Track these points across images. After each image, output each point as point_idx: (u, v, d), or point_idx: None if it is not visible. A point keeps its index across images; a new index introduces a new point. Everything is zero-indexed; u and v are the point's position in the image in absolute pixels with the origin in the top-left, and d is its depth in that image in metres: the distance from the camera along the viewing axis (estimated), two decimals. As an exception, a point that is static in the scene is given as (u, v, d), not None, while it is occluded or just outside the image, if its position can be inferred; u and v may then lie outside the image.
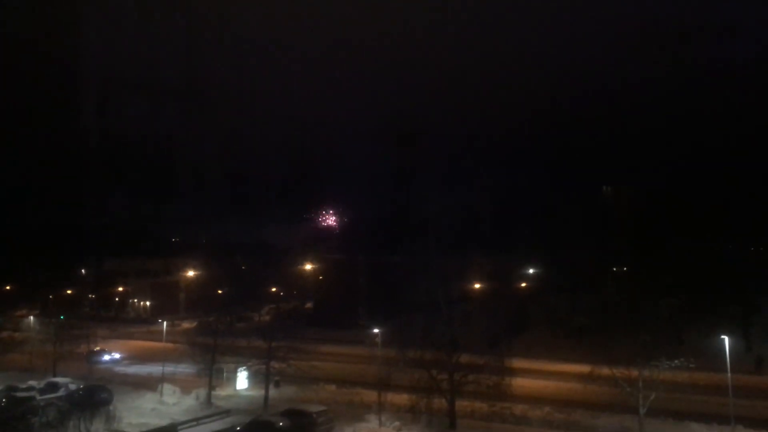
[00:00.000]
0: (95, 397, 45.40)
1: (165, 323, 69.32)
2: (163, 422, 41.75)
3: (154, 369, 58.37)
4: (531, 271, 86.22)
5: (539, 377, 52.03)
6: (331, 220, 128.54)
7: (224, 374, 53.09)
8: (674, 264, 62.18)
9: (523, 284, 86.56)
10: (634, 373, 33.44)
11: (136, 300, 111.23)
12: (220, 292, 62.94)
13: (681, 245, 63.14)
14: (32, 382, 52.88)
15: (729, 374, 32.46)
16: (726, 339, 33.21)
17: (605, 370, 34.78)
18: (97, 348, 70.02)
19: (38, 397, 47.10)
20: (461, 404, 40.86)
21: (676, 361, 33.80)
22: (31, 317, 79.13)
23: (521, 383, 45.64)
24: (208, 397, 49.10)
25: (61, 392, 49.64)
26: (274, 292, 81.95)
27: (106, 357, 66.18)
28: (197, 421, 42.77)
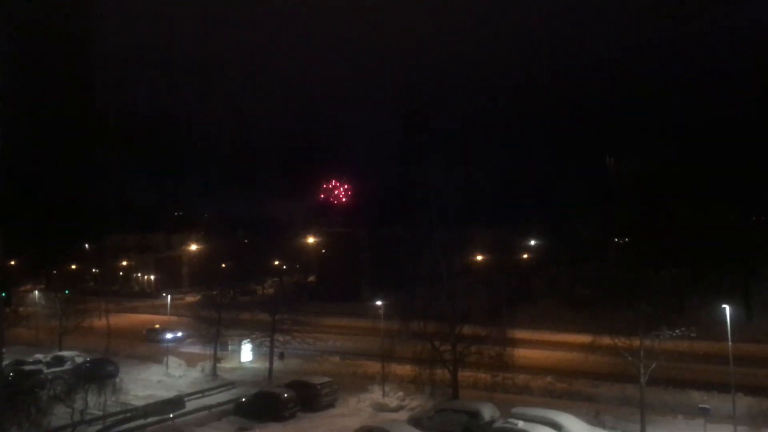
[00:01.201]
0: (102, 369, 45.88)
1: (169, 297, 69.75)
2: (170, 394, 42.24)
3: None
4: (533, 242, 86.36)
5: (541, 348, 52.42)
6: (334, 194, 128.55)
7: (229, 347, 53.59)
8: (676, 234, 62.21)
9: (526, 256, 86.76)
10: (636, 342, 33.62)
11: (139, 274, 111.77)
12: (223, 266, 63.25)
13: (683, 215, 63.07)
14: (39, 356, 53.46)
15: (730, 343, 32.64)
16: (727, 308, 33.31)
17: (606, 340, 34.99)
18: (157, 326, 66.43)
19: (45, 371, 47.64)
20: (464, 375, 41.22)
21: (677, 331, 33.93)
22: (36, 292, 79.62)
23: (523, 354, 45.99)
24: (214, 369, 49.62)
25: (67, 365, 50.20)
26: (277, 265, 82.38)
27: (168, 335, 60.41)
28: (203, 392, 43.28)
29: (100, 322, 67.65)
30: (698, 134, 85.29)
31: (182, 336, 61.01)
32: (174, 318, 62.63)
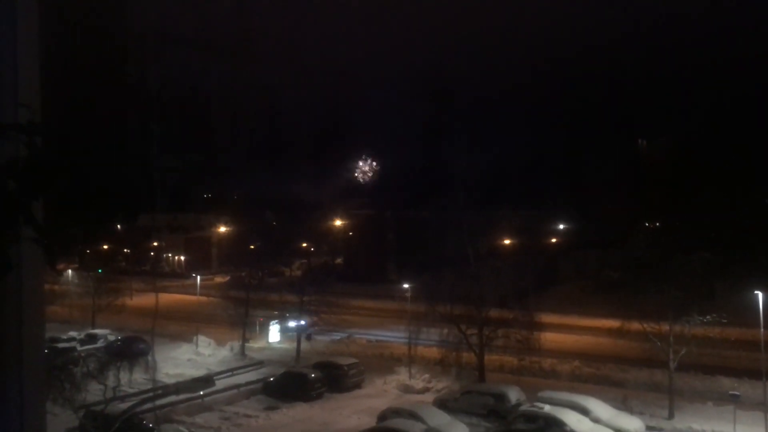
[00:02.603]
0: (133, 347, 46.80)
1: (198, 277, 70.66)
2: (199, 372, 42.95)
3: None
4: (561, 226, 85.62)
5: (568, 332, 52.19)
6: (361, 175, 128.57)
7: (257, 327, 54.24)
8: (707, 218, 61.23)
9: (553, 239, 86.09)
10: (665, 327, 33.32)
11: (170, 255, 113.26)
12: (251, 247, 63.80)
13: (714, 198, 62.03)
14: (73, 333, 54.61)
15: (762, 329, 32.17)
16: (760, 294, 32.81)
17: (635, 325, 34.72)
18: (275, 313, 56.07)
19: (79, 348, 48.70)
20: (490, 358, 41.28)
21: (707, 316, 33.59)
22: (70, 271, 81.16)
23: (550, 338, 45.80)
24: (242, 349, 50.28)
25: (100, 343, 51.26)
26: (304, 247, 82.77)
27: (292, 324, 53.18)
28: (232, 371, 43.95)
29: (131, 301, 68.81)
30: (732, 115, 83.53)
31: (306, 325, 50.51)
32: (203, 298, 63.23)
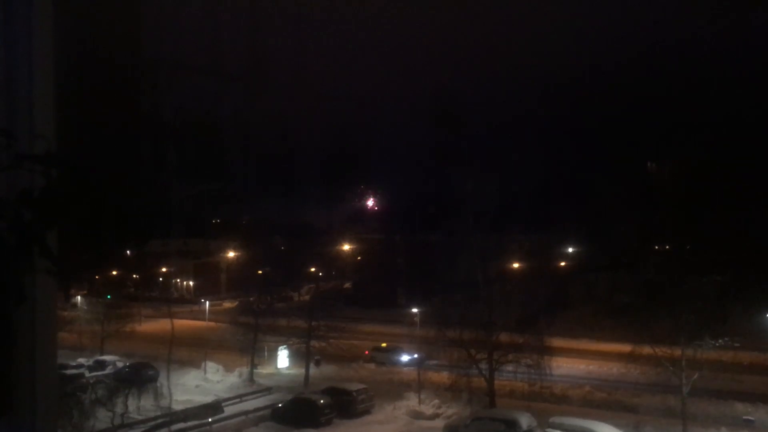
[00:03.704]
0: (142, 374, 46.67)
1: (207, 303, 70.58)
2: (208, 399, 42.76)
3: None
4: (571, 249, 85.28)
5: (580, 356, 51.72)
6: (370, 200, 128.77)
7: (265, 353, 54.03)
8: (720, 240, 60.81)
9: (563, 263, 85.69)
10: (677, 352, 32.98)
11: (178, 280, 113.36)
12: (260, 272, 63.81)
13: (727, 221, 61.64)
14: (81, 360, 54.54)
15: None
16: (773, 318, 32.51)
17: (647, 349, 34.37)
18: (384, 344, 55.01)
19: (87, 375, 48.62)
20: (501, 383, 40.88)
21: (720, 341, 33.24)
22: (79, 297, 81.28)
23: (561, 362, 45.45)
24: (251, 375, 50.05)
25: (108, 370, 51.15)
26: (313, 272, 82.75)
27: (404, 357, 50.96)
28: (240, 397, 43.70)
29: (140, 327, 68.71)
30: (744, 137, 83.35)
31: (420, 358, 46.27)
32: (212, 324, 63.14)
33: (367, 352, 51.94)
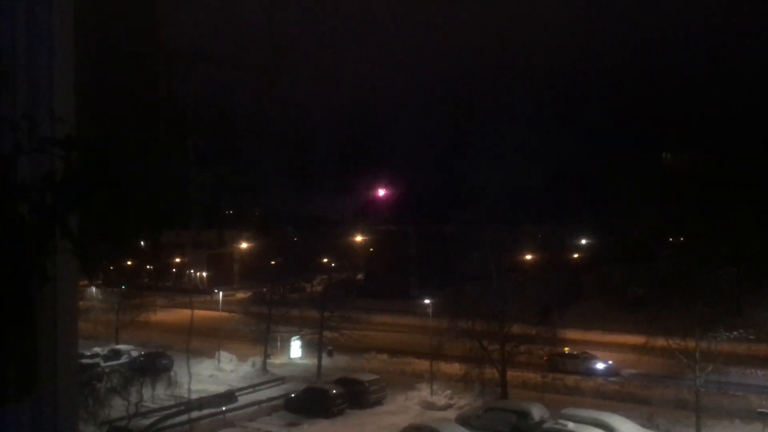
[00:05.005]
0: (156, 363, 47.06)
1: (221, 293, 70.92)
2: (221, 388, 43.05)
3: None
4: (584, 241, 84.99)
5: (592, 348, 51.57)
6: (383, 191, 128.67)
7: (278, 343, 54.32)
8: (734, 232, 60.38)
9: (576, 254, 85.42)
10: (691, 344, 32.84)
11: (192, 271, 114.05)
12: (273, 263, 64.07)
13: (741, 213, 61.17)
14: (97, 349, 55.08)
15: (791, 346, 31.64)
16: (788, 310, 32.28)
17: (661, 341, 34.24)
18: (567, 349, 46.90)
19: (102, 364, 49.10)
20: (513, 374, 40.90)
21: (734, 333, 33.06)
22: (94, 287, 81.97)
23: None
24: (264, 364, 50.35)
25: (123, 359, 51.62)
26: (326, 263, 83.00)
27: (599, 365, 45.52)
28: (254, 387, 43.99)
29: (154, 317, 69.23)
30: (759, 128, 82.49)
31: (614, 366, 44.43)
32: (225, 314, 63.46)
33: (545, 358, 43.75)
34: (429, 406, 40.13)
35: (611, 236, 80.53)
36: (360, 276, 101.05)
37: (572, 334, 49.76)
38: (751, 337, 33.79)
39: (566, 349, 46.49)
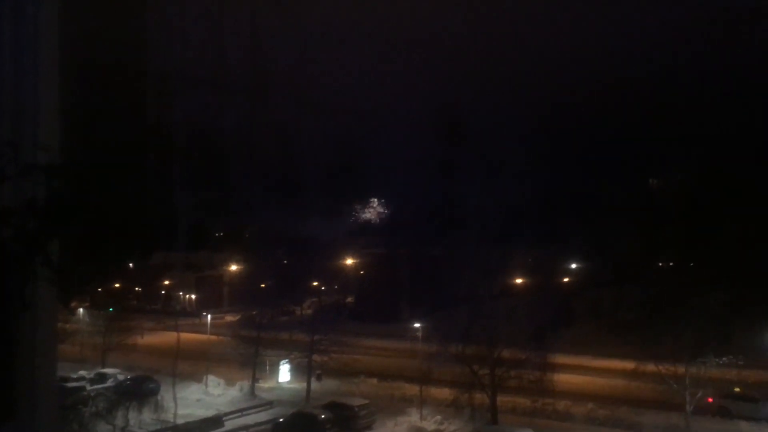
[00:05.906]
0: (143, 387, 46.52)
1: (209, 316, 70.42)
2: (209, 413, 42.60)
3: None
4: (574, 265, 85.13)
5: (583, 373, 51.45)
6: (373, 213, 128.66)
7: (267, 367, 53.86)
8: (723, 257, 60.67)
9: (567, 278, 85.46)
10: (681, 369, 32.83)
11: (181, 293, 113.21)
12: (262, 285, 63.75)
13: (730, 237, 61.54)
14: (83, 373, 54.40)
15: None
16: (777, 335, 32.37)
17: (651, 367, 34.21)
18: (737, 389, 38.81)
19: (88, 388, 48.45)
20: (503, 399, 40.68)
21: (724, 358, 33.08)
22: (81, 309, 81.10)
23: (564, 379, 45.16)
24: (252, 389, 49.86)
25: (109, 383, 50.98)
26: (315, 285, 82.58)
27: None
28: (241, 412, 43.52)
29: (142, 340, 68.53)
30: (745, 153, 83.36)
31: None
32: (214, 337, 62.93)
33: (710, 400, 36.83)
34: (419, 431, 39.82)
35: (602, 260, 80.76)
36: (350, 299, 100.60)
37: (562, 359, 49.59)
38: (741, 363, 33.81)
39: (737, 389, 38.83)
